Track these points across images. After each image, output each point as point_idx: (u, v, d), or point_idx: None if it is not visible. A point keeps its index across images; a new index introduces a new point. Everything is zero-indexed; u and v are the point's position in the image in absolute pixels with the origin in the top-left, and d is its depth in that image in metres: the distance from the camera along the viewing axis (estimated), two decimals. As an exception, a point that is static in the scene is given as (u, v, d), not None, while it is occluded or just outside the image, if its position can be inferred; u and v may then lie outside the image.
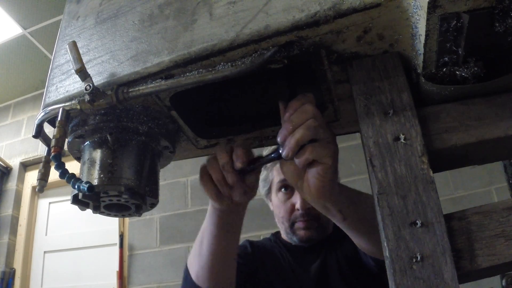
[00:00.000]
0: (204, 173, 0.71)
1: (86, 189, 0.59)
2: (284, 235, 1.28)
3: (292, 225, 1.21)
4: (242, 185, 0.69)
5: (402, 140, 0.53)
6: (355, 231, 0.81)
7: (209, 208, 0.81)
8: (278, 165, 1.20)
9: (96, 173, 0.64)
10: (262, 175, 1.29)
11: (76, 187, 0.60)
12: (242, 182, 0.69)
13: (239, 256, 1.02)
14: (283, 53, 0.56)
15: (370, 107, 0.56)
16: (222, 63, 0.58)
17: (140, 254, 3.01)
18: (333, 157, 0.60)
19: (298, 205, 1.19)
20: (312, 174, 0.61)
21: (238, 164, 0.65)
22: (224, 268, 0.90)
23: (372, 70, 0.59)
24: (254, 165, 0.68)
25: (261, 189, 1.33)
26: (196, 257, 0.91)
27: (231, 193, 0.70)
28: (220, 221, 0.80)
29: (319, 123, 0.59)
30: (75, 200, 0.65)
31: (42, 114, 0.67)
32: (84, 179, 0.64)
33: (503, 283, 1.00)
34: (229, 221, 0.82)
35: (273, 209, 1.31)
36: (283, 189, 1.24)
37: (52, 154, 0.61)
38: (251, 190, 0.72)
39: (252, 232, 2.58)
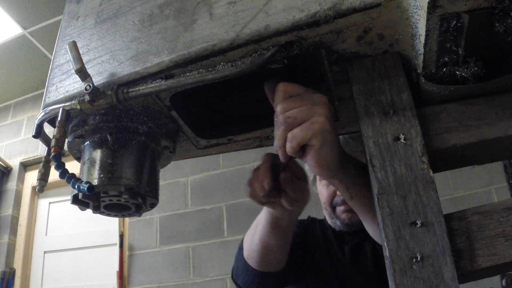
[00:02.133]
0: (249, 188, 0.73)
1: (86, 189, 0.59)
2: (329, 220, 1.34)
3: (334, 209, 1.28)
4: (288, 196, 0.70)
5: (402, 140, 0.53)
6: (360, 212, 0.78)
7: None
8: None
9: (96, 173, 0.64)
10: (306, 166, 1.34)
11: (76, 187, 0.60)
12: (286, 193, 0.70)
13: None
14: (283, 53, 0.56)
15: (370, 107, 0.56)
16: (222, 63, 0.58)
17: (140, 254, 3.01)
18: (320, 136, 0.55)
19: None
20: (307, 157, 0.58)
21: (265, 185, 0.68)
22: (272, 258, 0.96)
23: (372, 70, 0.59)
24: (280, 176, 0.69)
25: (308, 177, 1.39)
26: (249, 239, 0.98)
27: (281, 202, 0.72)
28: (272, 220, 0.85)
29: (294, 104, 0.56)
30: (75, 200, 0.65)
31: (42, 114, 0.67)
32: (84, 179, 0.64)
33: (503, 283, 1.00)
34: (280, 224, 0.86)
35: (319, 196, 1.36)
36: None
37: (52, 154, 0.61)
38: (299, 198, 0.72)
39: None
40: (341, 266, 1.25)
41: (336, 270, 1.25)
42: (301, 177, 0.73)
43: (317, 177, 1.35)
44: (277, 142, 0.58)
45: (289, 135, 0.56)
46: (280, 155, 0.59)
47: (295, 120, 0.55)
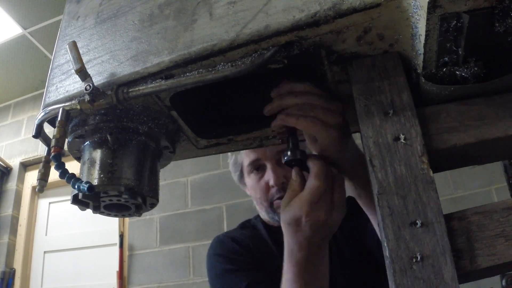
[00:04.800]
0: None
1: (86, 189, 0.59)
2: (265, 216, 1.23)
3: (271, 204, 1.17)
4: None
5: (402, 140, 0.53)
6: (368, 209, 0.79)
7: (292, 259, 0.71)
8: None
9: (96, 173, 0.64)
10: (231, 160, 1.26)
11: (76, 187, 0.60)
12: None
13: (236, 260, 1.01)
14: (283, 53, 0.56)
15: (370, 107, 0.56)
16: (222, 63, 0.58)
17: (140, 254, 3.01)
18: (325, 135, 0.64)
19: (272, 182, 1.14)
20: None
21: None
22: None
23: (372, 70, 0.59)
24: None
25: (233, 175, 1.29)
26: None
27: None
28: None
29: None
30: (75, 200, 0.65)
31: (42, 114, 0.67)
32: (84, 179, 0.64)
33: (503, 283, 1.00)
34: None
35: (249, 193, 1.26)
36: (254, 170, 1.19)
37: (52, 154, 0.61)
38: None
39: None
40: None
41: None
42: None
43: (245, 172, 1.23)
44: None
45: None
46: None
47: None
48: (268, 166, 1.16)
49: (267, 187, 1.16)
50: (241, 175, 1.26)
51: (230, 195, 2.91)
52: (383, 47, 0.59)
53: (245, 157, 1.22)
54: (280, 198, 1.13)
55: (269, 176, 1.16)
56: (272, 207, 1.17)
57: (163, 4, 0.65)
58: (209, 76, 0.58)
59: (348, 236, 1.17)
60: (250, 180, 1.22)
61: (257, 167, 1.19)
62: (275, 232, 1.18)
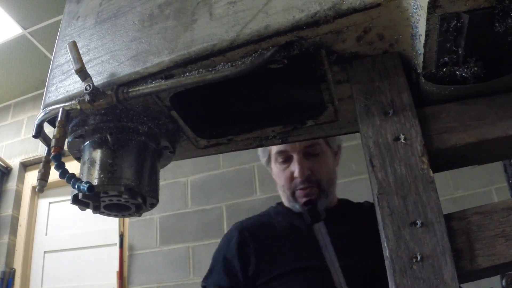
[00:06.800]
0: None
1: (86, 189, 0.59)
2: (286, 203, 1.28)
3: (293, 193, 1.22)
4: None
5: (402, 140, 0.53)
6: None
7: None
8: None
9: (96, 173, 0.64)
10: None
11: (76, 187, 0.60)
12: None
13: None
14: (283, 53, 0.56)
15: (370, 107, 0.56)
16: (222, 63, 0.58)
17: (140, 254, 3.01)
18: None
19: (296, 173, 1.19)
20: None
21: None
22: None
23: (372, 70, 0.59)
24: None
25: (261, 159, 1.34)
26: None
27: None
28: None
29: None
30: (75, 200, 0.65)
31: (42, 114, 0.67)
32: (84, 179, 0.64)
33: (503, 283, 1.00)
34: None
35: (274, 178, 1.32)
36: (281, 159, 1.25)
37: (52, 154, 0.61)
38: None
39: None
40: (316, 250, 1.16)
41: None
42: None
43: (272, 159, 1.29)
44: None
45: None
46: None
47: None
48: (295, 158, 1.21)
49: (291, 177, 1.22)
50: (269, 160, 1.31)
51: (230, 195, 2.91)
52: (383, 47, 0.59)
53: (274, 146, 1.26)
54: (303, 189, 1.20)
55: (294, 167, 1.21)
56: (294, 195, 1.22)
57: (163, 4, 0.65)
58: (209, 76, 0.58)
59: (359, 231, 1.21)
60: (276, 167, 1.28)
61: (284, 157, 1.24)
62: (294, 218, 1.24)
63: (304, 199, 1.20)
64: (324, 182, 1.22)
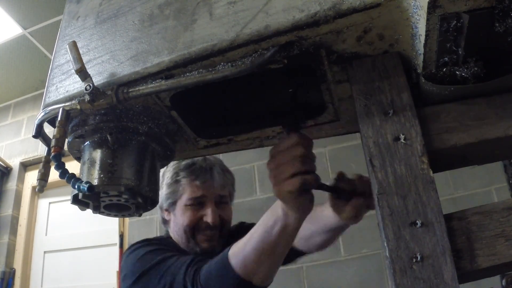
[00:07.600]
0: None
1: (86, 189, 0.59)
2: (184, 244, 1.24)
3: (193, 236, 1.21)
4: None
5: (402, 140, 0.53)
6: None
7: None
8: (195, 182, 1.21)
9: (96, 173, 0.64)
10: (170, 189, 1.27)
11: (76, 187, 0.60)
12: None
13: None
14: (283, 53, 0.56)
15: (370, 107, 0.56)
16: (222, 63, 0.58)
17: (140, 254, 3.00)
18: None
19: (209, 219, 1.20)
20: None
21: None
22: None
23: (372, 70, 0.59)
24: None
25: (164, 201, 1.28)
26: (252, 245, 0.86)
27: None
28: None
29: None
30: (75, 200, 0.65)
31: (42, 114, 0.67)
32: (84, 179, 0.64)
33: (503, 283, 1.00)
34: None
35: (173, 219, 1.27)
36: (191, 203, 1.23)
37: (52, 154, 0.61)
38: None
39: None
40: None
41: None
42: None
43: (179, 204, 1.24)
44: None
45: None
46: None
47: None
48: (209, 204, 1.23)
49: (200, 220, 1.22)
50: (174, 203, 1.26)
51: (230, 195, 2.91)
52: (383, 47, 0.59)
53: (191, 191, 1.24)
54: (207, 235, 1.21)
55: (207, 212, 1.22)
56: (194, 238, 1.21)
57: (163, 4, 0.65)
58: (209, 76, 0.58)
59: None
60: (182, 209, 1.24)
61: (197, 202, 1.24)
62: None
63: (206, 244, 1.20)
64: (225, 228, 1.25)
